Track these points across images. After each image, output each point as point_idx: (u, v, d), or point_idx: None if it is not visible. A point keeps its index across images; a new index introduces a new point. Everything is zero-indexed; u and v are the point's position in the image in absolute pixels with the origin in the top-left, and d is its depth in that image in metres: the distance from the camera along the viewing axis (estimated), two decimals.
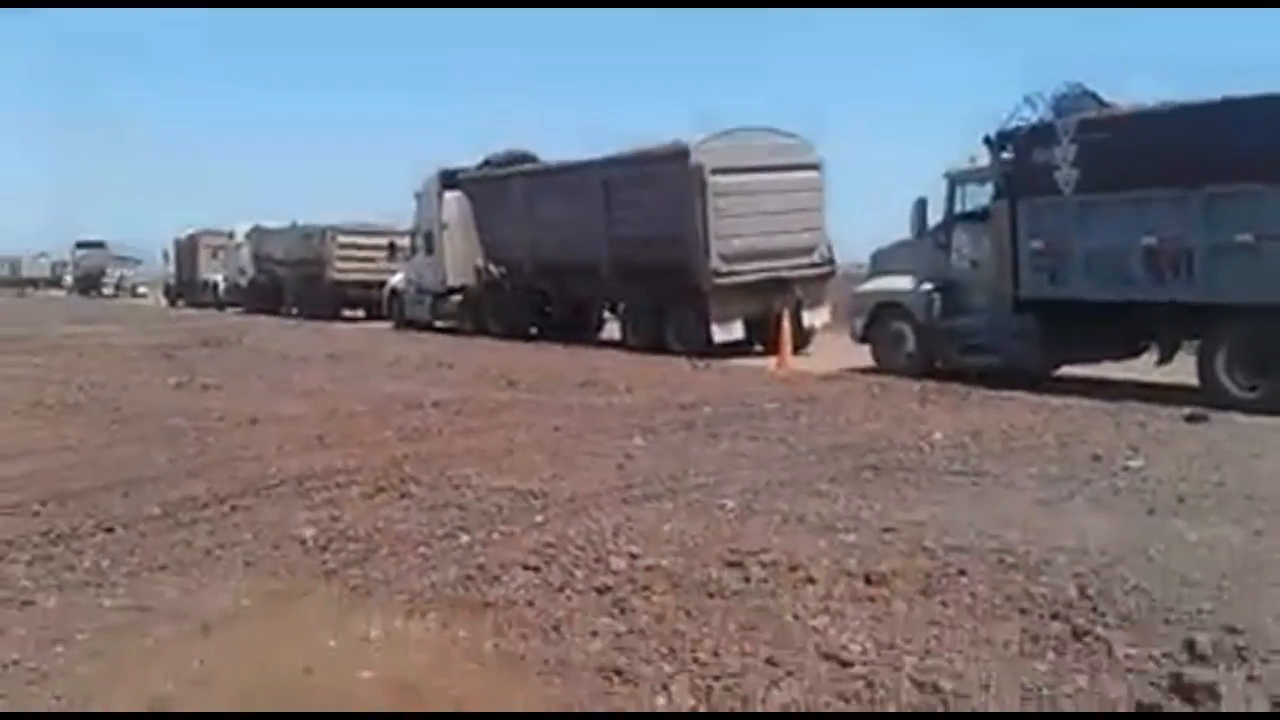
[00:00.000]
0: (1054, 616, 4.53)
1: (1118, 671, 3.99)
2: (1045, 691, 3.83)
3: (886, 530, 5.93)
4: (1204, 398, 10.93)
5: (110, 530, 6.27)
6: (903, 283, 14.44)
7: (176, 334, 23.68)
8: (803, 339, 17.58)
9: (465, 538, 5.98)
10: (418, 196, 25.36)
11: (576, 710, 3.85)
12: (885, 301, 14.71)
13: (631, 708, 3.81)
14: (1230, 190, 10.84)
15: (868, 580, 5.02)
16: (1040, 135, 12.50)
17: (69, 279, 62.84)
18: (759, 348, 17.42)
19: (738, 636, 4.40)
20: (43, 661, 4.31)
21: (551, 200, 20.90)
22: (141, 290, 55.59)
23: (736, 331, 17.88)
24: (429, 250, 24.73)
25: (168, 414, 10.89)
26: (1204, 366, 11.46)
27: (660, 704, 3.82)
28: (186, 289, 44.07)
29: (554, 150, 22.76)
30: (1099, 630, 4.35)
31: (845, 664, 4.09)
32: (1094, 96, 12.74)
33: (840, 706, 3.77)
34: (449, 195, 23.83)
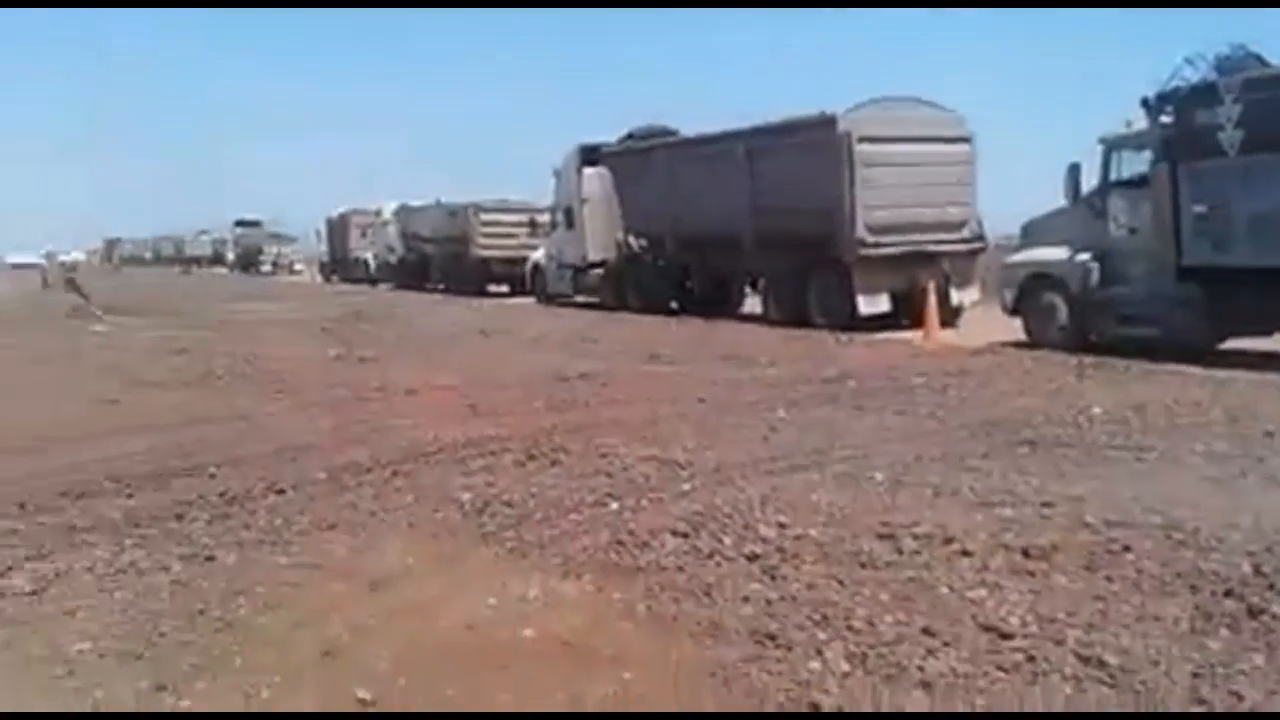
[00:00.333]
0: (1227, 594, 4.34)
1: None
2: (1220, 670, 3.68)
3: (1045, 505, 5.77)
4: None
5: (281, 492, 6.63)
6: (1056, 253, 13.89)
7: (332, 309, 24.74)
8: (950, 316, 17.06)
9: (614, 505, 6.10)
10: (556, 174, 25.71)
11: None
12: (1037, 272, 14.16)
13: (784, 671, 3.82)
14: None
15: (1026, 554, 4.90)
16: (1202, 96, 11.90)
17: (230, 256, 65.39)
18: (905, 322, 17.05)
19: (891, 606, 4.36)
20: (227, 612, 4.60)
21: (694, 172, 20.81)
22: (298, 268, 57.81)
23: (882, 304, 17.48)
24: (569, 225, 25.07)
25: (329, 385, 11.46)
26: None
27: (814, 668, 3.82)
28: (340, 266, 45.74)
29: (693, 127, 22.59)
30: (1276, 609, 4.16)
31: (1005, 635, 4.02)
32: (1257, 57, 12.03)
33: (1000, 677, 3.70)
34: (588, 170, 24.14)
